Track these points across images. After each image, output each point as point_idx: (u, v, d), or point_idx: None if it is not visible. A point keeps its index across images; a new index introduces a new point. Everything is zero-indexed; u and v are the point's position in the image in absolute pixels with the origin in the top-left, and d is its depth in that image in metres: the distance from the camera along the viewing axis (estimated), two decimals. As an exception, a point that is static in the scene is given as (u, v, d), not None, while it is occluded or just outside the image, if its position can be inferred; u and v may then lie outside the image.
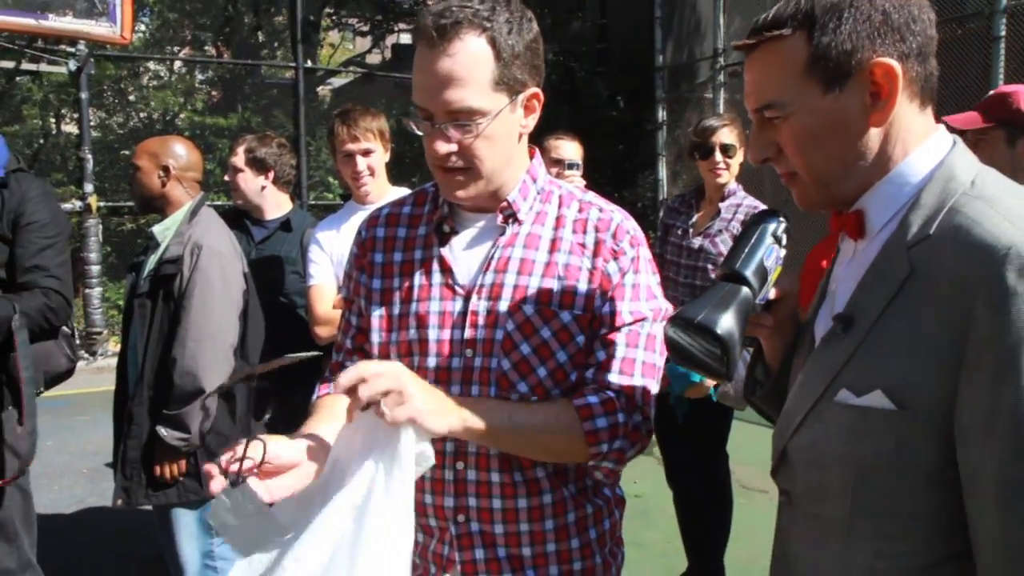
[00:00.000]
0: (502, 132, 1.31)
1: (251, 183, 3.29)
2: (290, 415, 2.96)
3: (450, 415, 1.20)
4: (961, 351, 0.89)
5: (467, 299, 1.36)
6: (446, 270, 1.38)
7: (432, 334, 1.36)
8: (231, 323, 2.71)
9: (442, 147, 1.28)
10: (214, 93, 15.11)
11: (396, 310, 1.40)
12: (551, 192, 1.45)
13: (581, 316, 1.35)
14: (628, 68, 10.39)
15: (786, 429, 1.10)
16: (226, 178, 3.46)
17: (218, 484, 1.09)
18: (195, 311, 2.62)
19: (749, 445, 4.93)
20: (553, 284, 1.35)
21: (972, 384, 0.88)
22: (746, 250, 1.14)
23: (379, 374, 1.12)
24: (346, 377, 1.10)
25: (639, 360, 1.37)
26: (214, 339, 2.63)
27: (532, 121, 1.38)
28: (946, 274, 0.92)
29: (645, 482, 4.57)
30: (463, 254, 1.40)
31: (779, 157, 1.08)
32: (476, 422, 1.23)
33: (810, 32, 1.00)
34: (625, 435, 1.33)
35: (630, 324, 1.36)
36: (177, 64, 14.78)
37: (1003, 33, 5.77)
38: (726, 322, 1.06)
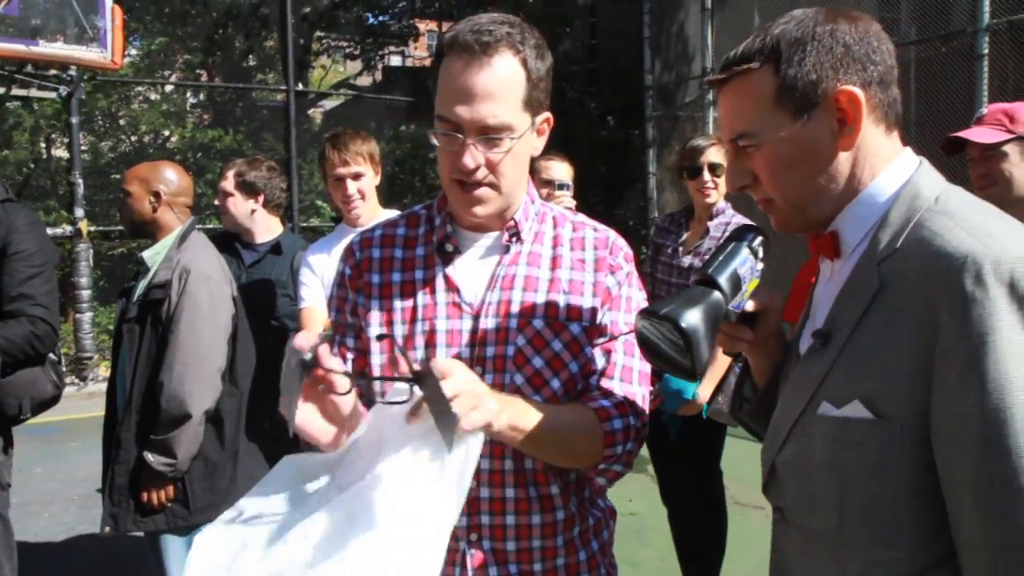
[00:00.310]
0: (523, 152, 1.36)
1: (241, 207, 3.30)
2: (282, 437, 2.95)
3: (503, 413, 1.21)
4: (931, 358, 0.93)
5: (476, 317, 1.38)
6: (452, 289, 1.39)
7: (441, 352, 1.37)
8: (219, 347, 2.70)
9: (471, 161, 1.30)
10: (205, 116, 15.15)
11: (400, 331, 1.40)
12: (545, 213, 1.50)
13: (589, 328, 1.40)
14: (618, 88, 10.47)
15: (773, 444, 1.14)
16: (216, 202, 3.47)
17: None
18: (182, 335, 2.61)
19: (743, 462, 4.92)
20: (559, 299, 1.39)
21: (942, 389, 0.92)
22: (720, 258, 1.19)
23: (451, 374, 1.12)
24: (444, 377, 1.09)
25: (636, 368, 1.43)
26: (202, 363, 2.62)
27: (542, 143, 1.42)
28: (912, 285, 0.97)
29: (640, 501, 4.56)
30: (467, 273, 1.42)
31: (755, 184, 1.14)
32: (520, 420, 1.25)
33: (777, 65, 1.07)
34: (634, 437, 1.39)
35: (626, 335, 1.42)
36: (168, 88, 14.83)
37: (986, 51, 5.85)
38: (691, 317, 1.10)
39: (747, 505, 4.49)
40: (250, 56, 14.20)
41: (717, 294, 1.15)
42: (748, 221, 3.28)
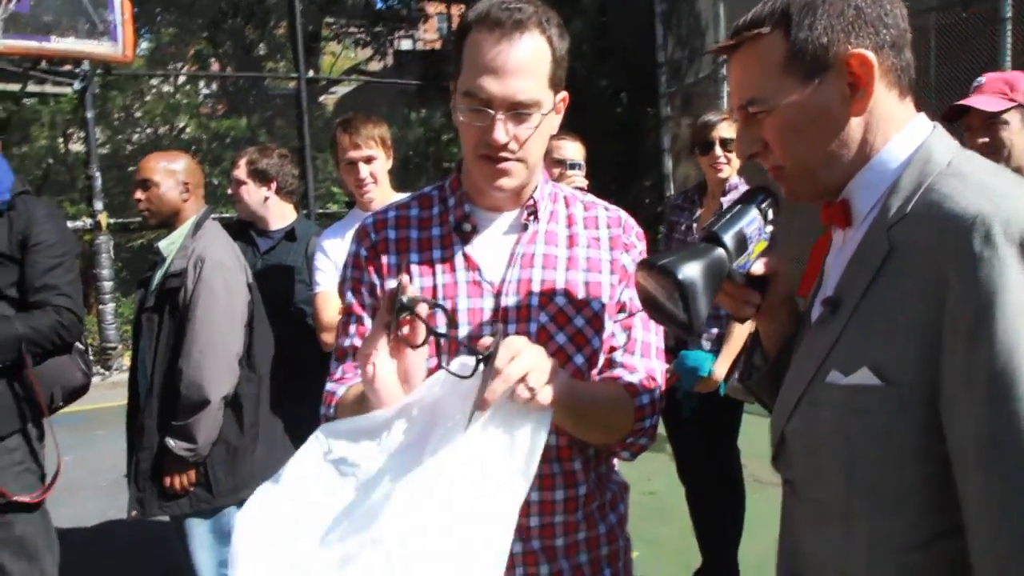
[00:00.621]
0: (546, 128, 1.37)
1: (254, 195, 3.32)
2: (298, 424, 2.99)
3: (560, 386, 1.19)
4: (939, 321, 0.91)
5: (497, 295, 1.39)
6: (473, 268, 1.40)
7: (463, 331, 1.38)
8: (235, 334, 2.73)
9: (503, 135, 1.30)
10: (219, 106, 15.20)
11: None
12: (556, 193, 1.52)
13: (609, 304, 1.42)
14: (630, 65, 10.38)
15: (782, 415, 1.13)
16: (229, 191, 3.49)
17: None
18: (199, 323, 2.65)
19: (762, 439, 4.90)
20: (579, 276, 1.41)
21: (949, 351, 0.90)
22: (727, 217, 1.17)
23: (523, 350, 1.10)
24: (506, 360, 1.07)
25: (653, 344, 1.47)
26: (218, 349, 2.66)
27: (558, 122, 1.43)
28: (921, 249, 0.95)
29: (659, 480, 4.57)
30: (486, 252, 1.42)
31: (765, 152, 1.11)
32: (571, 394, 1.22)
33: (787, 29, 1.05)
34: (658, 411, 1.42)
35: (642, 311, 1.41)
36: (181, 79, 14.88)
37: (1010, 15, 5.73)
38: (689, 270, 1.08)
39: (766, 482, 4.49)
40: (261, 44, 14.22)
41: (720, 251, 1.12)
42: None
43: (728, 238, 1.13)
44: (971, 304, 0.88)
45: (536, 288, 1.39)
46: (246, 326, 2.79)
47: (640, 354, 1.44)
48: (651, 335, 1.47)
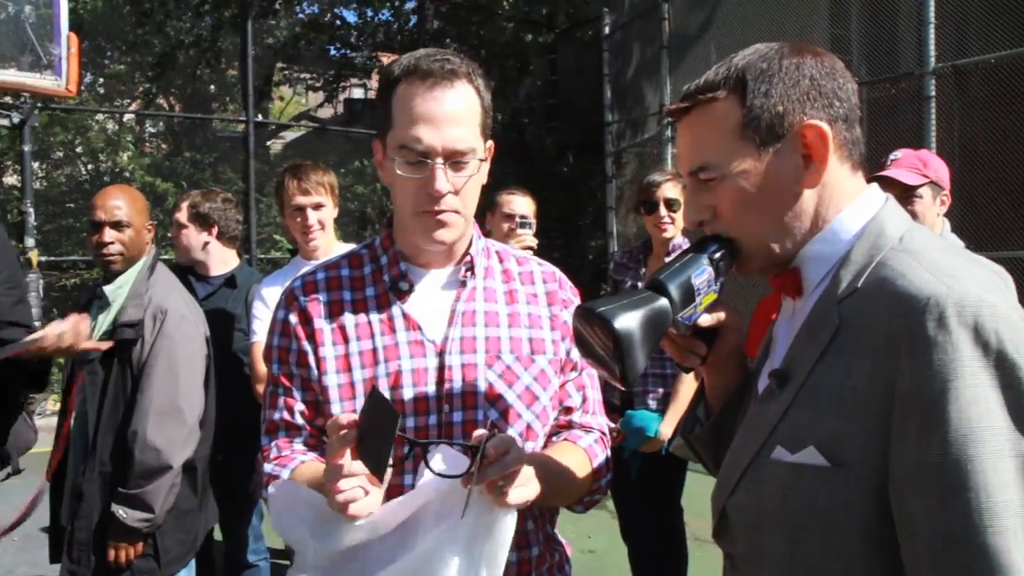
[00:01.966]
0: (480, 177, 1.38)
1: (194, 239, 3.25)
2: (231, 473, 2.88)
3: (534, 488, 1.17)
4: (890, 404, 0.89)
5: (440, 354, 1.36)
6: (413, 327, 1.37)
7: (407, 393, 1.34)
8: (197, 393, 2.56)
9: (444, 185, 1.30)
10: (163, 145, 14.95)
11: (361, 375, 1.36)
12: (489, 248, 1.51)
13: (553, 360, 1.42)
14: (578, 123, 10.59)
15: (724, 488, 1.10)
16: (170, 234, 3.41)
17: None
18: (160, 381, 2.46)
19: (704, 497, 4.91)
20: (522, 333, 1.40)
21: (900, 438, 0.88)
22: (676, 265, 1.13)
23: (510, 450, 1.09)
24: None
25: (599, 399, 1.50)
26: (182, 411, 2.48)
27: (486, 171, 1.43)
28: (872, 326, 0.93)
29: (600, 537, 4.52)
30: (425, 310, 1.40)
31: (714, 220, 1.10)
32: (544, 485, 1.20)
33: (742, 95, 1.04)
34: (611, 468, 1.44)
35: (588, 368, 1.45)
36: (127, 117, 14.60)
37: (933, 93, 6.04)
38: (627, 321, 1.03)
39: (708, 541, 4.47)
40: (211, 86, 14.10)
41: (663, 301, 1.07)
42: None
43: (674, 288, 1.09)
44: (924, 390, 0.86)
45: (480, 346, 1.37)
46: (203, 383, 2.62)
47: (593, 412, 1.46)
48: (597, 392, 1.49)
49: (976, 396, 0.84)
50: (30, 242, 8.13)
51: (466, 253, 1.43)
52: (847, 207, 1.05)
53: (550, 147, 10.46)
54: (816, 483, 0.94)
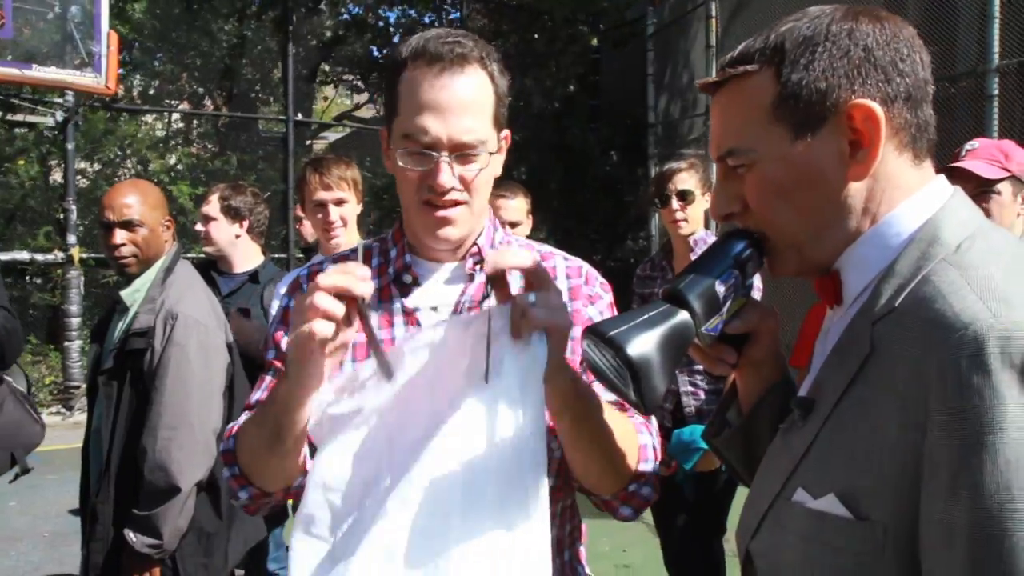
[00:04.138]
0: (492, 168, 1.27)
1: (225, 232, 3.17)
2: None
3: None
4: (919, 452, 0.74)
5: None
6: (413, 323, 1.28)
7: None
8: (213, 406, 2.33)
9: (449, 178, 1.20)
10: (208, 145, 15.14)
11: (352, 368, 1.25)
12: (510, 242, 1.40)
13: (571, 360, 1.26)
14: (621, 124, 10.42)
15: (747, 529, 0.95)
16: (198, 226, 3.33)
17: None
18: (169, 393, 2.25)
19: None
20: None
21: (930, 495, 0.73)
22: (696, 271, 0.98)
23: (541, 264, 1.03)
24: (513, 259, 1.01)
25: None
26: (192, 427, 2.25)
27: (502, 162, 1.33)
28: (903, 358, 0.77)
29: (635, 552, 4.35)
30: (429, 305, 1.30)
31: (744, 213, 0.95)
32: (591, 393, 1.12)
33: (779, 68, 0.88)
34: (659, 459, 1.29)
35: None
36: (174, 116, 14.83)
37: (996, 92, 5.75)
38: (642, 345, 0.89)
39: (748, 558, 4.28)
40: (257, 87, 14.24)
41: (683, 316, 0.94)
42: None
43: (695, 298, 0.94)
44: (954, 443, 0.70)
45: None
46: (225, 393, 2.39)
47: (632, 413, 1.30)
48: None
49: (1019, 456, 0.68)
50: (72, 239, 8.25)
51: (474, 244, 1.33)
52: (902, 203, 0.88)
53: (592, 148, 10.29)
54: (838, 537, 0.80)
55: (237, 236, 3.18)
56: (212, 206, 3.19)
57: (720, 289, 0.96)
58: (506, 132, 1.31)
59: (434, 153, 1.19)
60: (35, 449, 2.49)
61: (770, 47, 0.89)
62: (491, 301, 1.02)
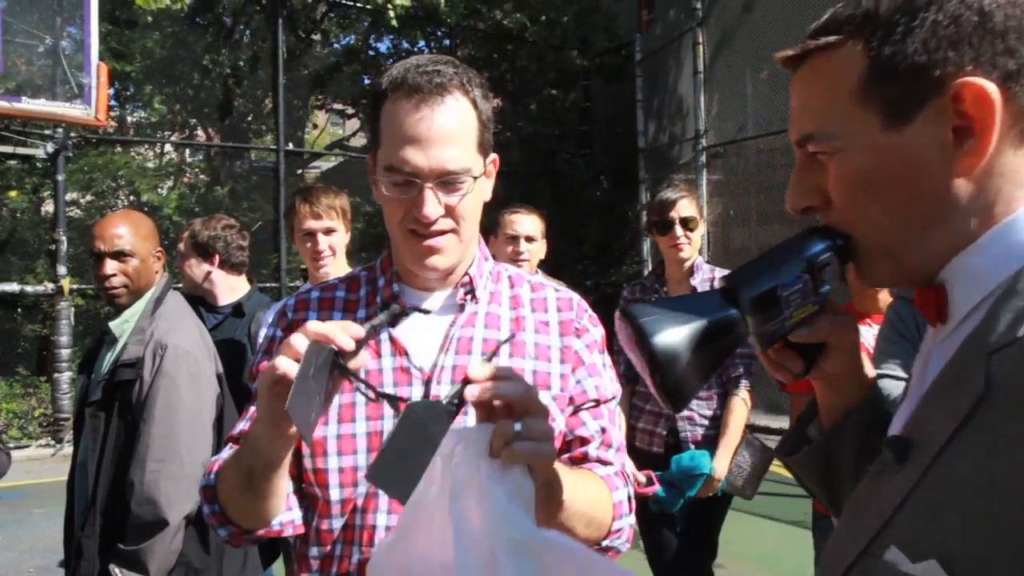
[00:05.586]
0: (479, 195, 1.27)
1: (196, 270, 3.14)
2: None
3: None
4: None
5: (427, 383, 1.25)
6: (400, 352, 1.26)
7: (388, 424, 1.22)
8: (202, 438, 2.30)
9: (434, 208, 1.19)
10: (201, 175, 15.18)
11: (338, 400, 1.25)
12: (500, 272, 1.39)
13: (560, 396, 1.28)
14: (611, 150, 10.50)
15: None
16: (175, 264, 3.31)
17: None
18: (158, 424, 2.21)
19: (743, 538, 4.66)
20: (525, 364, 1.28)
21: None
22: (761, 267, 0.86)
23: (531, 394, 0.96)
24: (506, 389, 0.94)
25: (620, 438, 1.35)
26: (181, 459, 2.21)
27: (490, 187, 1.32)
28: None
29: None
30: (416, 335, 1.28)
31: (826, 208, 0.81)
32: (562, 475, 1.07)
33: (869, 40, 0.74)
34: (632, 511, 1.29)
35: (608, 401, 1.33)
36: (167, 148, 14.88)
37: None
38: (671, 337, 0.81)
39: (745, 585, 4.22)
40: (249, 117, 14.32)
41: (732, 314, 0.84)
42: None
43: (748, 298, 0.84)
44: None
45: None
46: (214, 425, 2.36)
47: (615, 447, 1.31)
48: (616, 428, 1.33)
49: None
50: (62, 270, 8.22)
51: (465, 274, 1.31)
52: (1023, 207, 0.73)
53: (582, 173, 10.35)
54: None
55: (208, 273, 3.14)
56: (184, 243, 3.17)
57: (784, 293, 0.85)
58: (493, 156, 1.31)
59: (418, 181, 1.19)
60: (1, 478, 2.45)
61: (860, 14, 0.75)
62: (469, 419, 0.97)
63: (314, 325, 0.99)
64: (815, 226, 0.87)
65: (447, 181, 1.20)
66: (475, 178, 1.23)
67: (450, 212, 1.22)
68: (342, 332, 0.98)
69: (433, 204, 1.19)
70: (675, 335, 0.81)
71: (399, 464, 0.90)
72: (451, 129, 1.19)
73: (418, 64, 1.21)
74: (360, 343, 0.99)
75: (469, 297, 1.30)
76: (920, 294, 0.80)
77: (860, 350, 0.95)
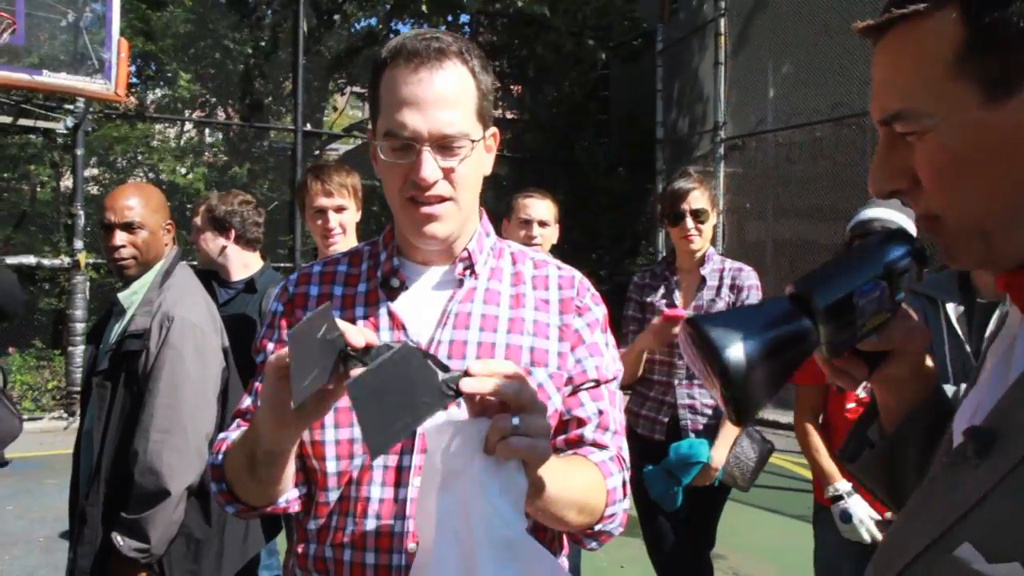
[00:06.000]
0: (478, 164, 1.26)
1: (211, 244, 3.15)
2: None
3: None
4: None
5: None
6: (398, 327, 1.26)
7: None
8: (206, 410, 2.31)
9: (432, 171, 1.18)
10: (221, 156, 15.27)
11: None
12: (503, 249, 1.38)
13: (556, 374, 1.26)
14: (629, 139, 10.44)
15: (886, 569, 0.79)
16: (189, 240, 3.33)
17: None
18: (163, 395, 2.23)
19: (747, 531, 4.65)
20: (523, 341, 1.27)
21: None
22: (837, 273, 0.82)
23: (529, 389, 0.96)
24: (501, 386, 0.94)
25: (620, 419, 1.33)
26: (185, 431, 2.23)
27: (491, 161, 1.31)
28: None
29: (633, 569, 4.29)
30: (415, 310, 1.28)
31: (914, 190, 0.76)
32: (553, 475, 1.06)
33: (966, 5, 0.68)
34: (627, 495, 1.27)
35: (608, 382, 1.31)
36: (187, 125, 14.96)
37: None
38: (742, 352, 0.77)
39: (747, 577, 4.22)
40: (269, 98, 14.36)
41: (805, 324, 0.80)
42: (744, 266, 3.06)
43: (823, 308, 0.79)
44: None
45: (471, 351, 1.24)
46: (219, 398, 2.38)
47: (612, 430, 1.29)
48: (616, 410, 1.31)
49: None
50: (79, 244, 8.29)
51: (464, 248, 1.31)
52: None
53: (600, 162, 10.30)
54: None
55: (224, 247, 3.16)
56: (199, 218, 3.18)
57: (860, 301, 0.81)
58: (494, 130, 1.30)
59: (416, 144, 1.18)
60: (12, 442, 2.48)
61: None
62: (461, 411, 0.96)
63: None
64: (893, 230, 0.82)
65: (445, 144, 1.19)
66: (473, 142, 1.22)
67: (448, 177, 1.21)
68: (357, 332, 1.00)
69: (431, 166, 1.18)
70: (746, 348, 0.78)
71: (379, 410, 0.89)
72: (449, 92, 1.19)
73: (417, 33, 1.21)
74: (368, 349, 0.99)
75: (468, 272, 1.30)
76: (1008, 278, 0.76)
77: (926, 354, 0.92)
